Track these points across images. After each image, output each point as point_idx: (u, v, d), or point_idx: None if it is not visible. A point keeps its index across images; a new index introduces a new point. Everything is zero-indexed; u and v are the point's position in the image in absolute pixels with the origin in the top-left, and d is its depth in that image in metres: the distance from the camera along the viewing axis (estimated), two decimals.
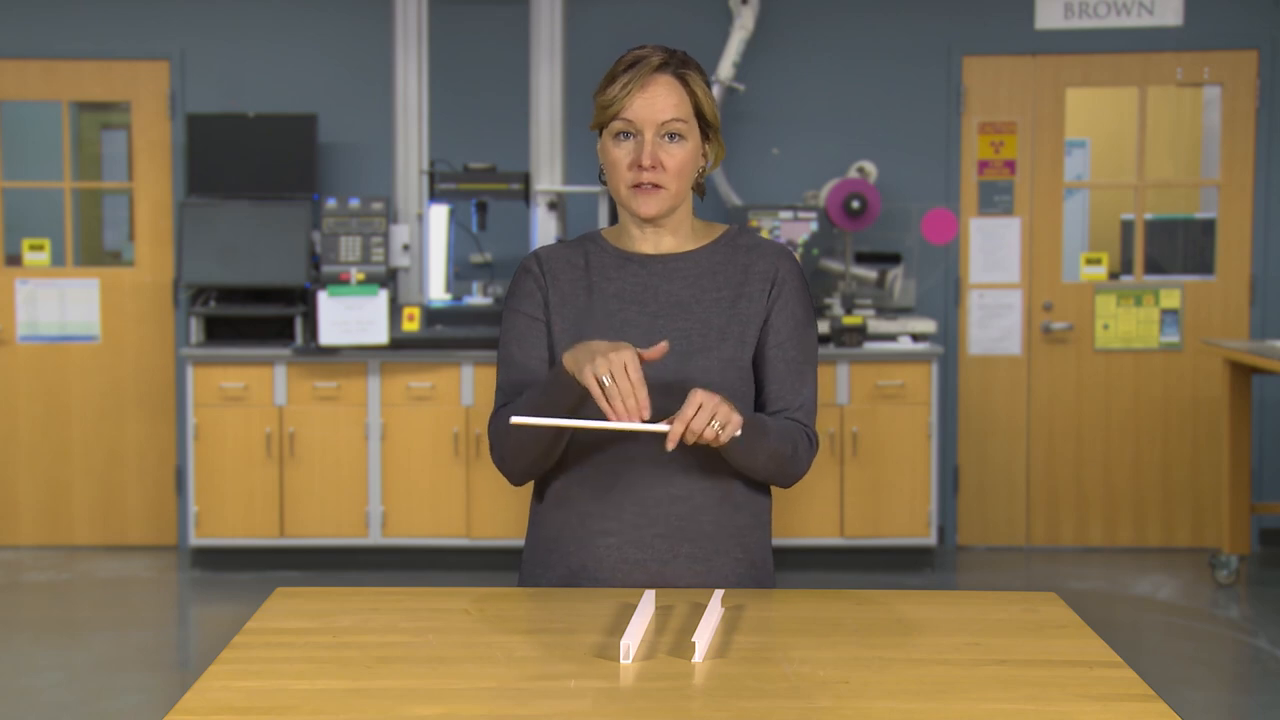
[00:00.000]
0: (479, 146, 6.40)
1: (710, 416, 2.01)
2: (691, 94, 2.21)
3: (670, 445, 2.02)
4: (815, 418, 2.30)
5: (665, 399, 2.19)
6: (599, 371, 2.00)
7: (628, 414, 1.99)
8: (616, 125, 2.21)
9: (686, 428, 2.01)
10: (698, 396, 2.02)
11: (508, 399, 2.26)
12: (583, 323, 2.25)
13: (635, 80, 2.19)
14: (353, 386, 5.97)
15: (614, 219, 2.35)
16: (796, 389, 2.27)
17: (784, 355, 2.26)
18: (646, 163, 2.18)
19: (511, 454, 2.22)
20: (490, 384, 5.88)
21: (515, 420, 2.05)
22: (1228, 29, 6.46)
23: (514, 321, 2.30)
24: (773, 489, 2.34)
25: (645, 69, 2.19)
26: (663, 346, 2.06)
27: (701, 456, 2.21)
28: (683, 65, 2.23)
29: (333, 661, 1.85)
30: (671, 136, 2.20)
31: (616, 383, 1.99)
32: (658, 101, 2.19)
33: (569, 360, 2.07)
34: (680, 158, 2.21)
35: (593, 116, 2.25)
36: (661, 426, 2.02)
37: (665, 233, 2.29)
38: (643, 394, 2.00)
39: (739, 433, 2.05)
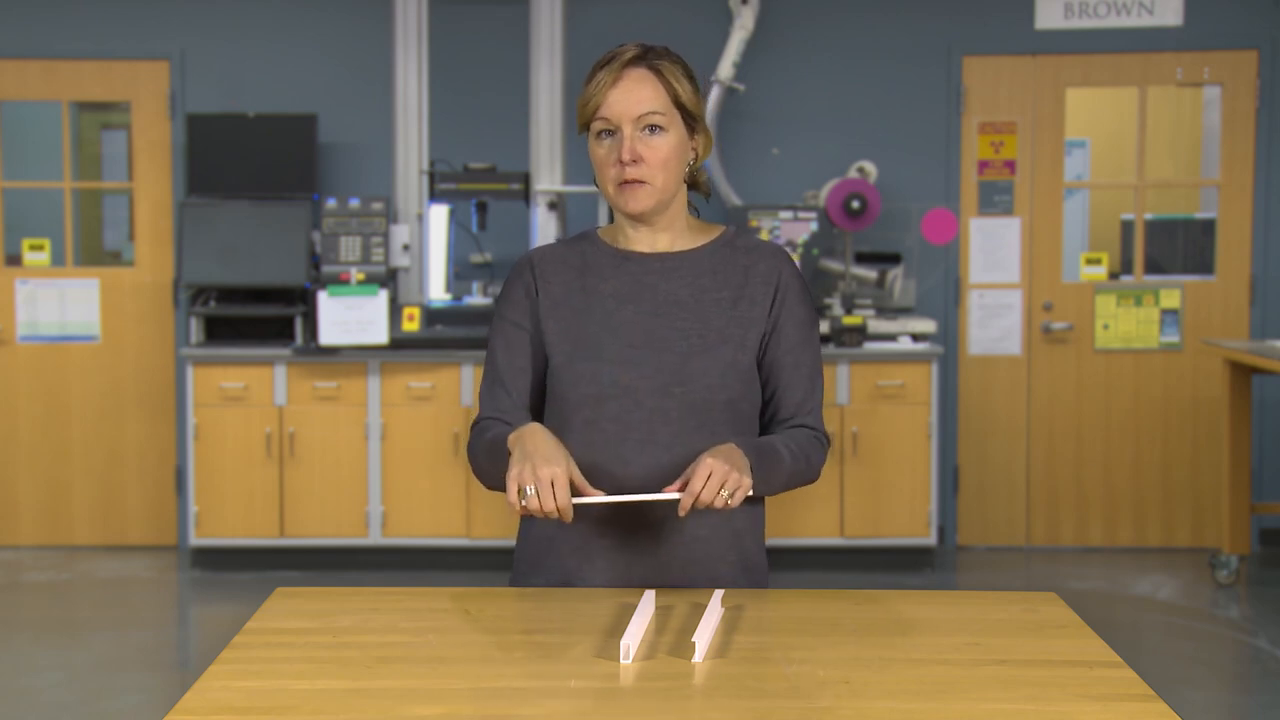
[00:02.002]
0: (479, 146, 6.40)
1: (719, 485, 2.03)
2: (668, 84, 2.19)
3: (681, 514, 2.06)
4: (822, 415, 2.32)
5: (664, 400, 2.18)
6: (524, 481, 2.02)
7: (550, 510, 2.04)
8: (596, 124, 2.19)
9: (696, 499, 2.04)
10: (706, 466, 2.04)
11: (486, 409, 2.28)
12: (580, 323, 2.24)
13: (609, 76, 2.17)
14: (353, 386, 5.97)
15: (613, 218, 2.33)
16: (809, 393, 2.27)
17: (795, 360, 2.26)
18: (626, 157, 2.16)
19: (481, 473, 2.26)
20: None
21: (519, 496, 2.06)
22: (1228, 29, 6.46)
23: (500, 329, 2.30)
24: None
25: (618, 63, 2.18)
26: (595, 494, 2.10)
27: (697, 457, 2.20)
28: (659, 57, 2.20)
29: (333, 661, 1.85)
30: (651, 129, 2.18)
31: (540, 499, 2.02)
32: (632, 95, 2.17)
33: (511, 443, 2.10)
34: (663, 150, 2.18)
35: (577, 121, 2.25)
36: (673, 495, 2.07)
37: (659, 231, 2.27)
38: (566, 516, 2.04)
39: (750, 492, 2.09)
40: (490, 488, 2.28)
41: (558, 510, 2.02)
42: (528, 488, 2.02)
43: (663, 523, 2.20)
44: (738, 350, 2.22)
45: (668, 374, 2.19)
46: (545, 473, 2.02)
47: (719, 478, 2.03)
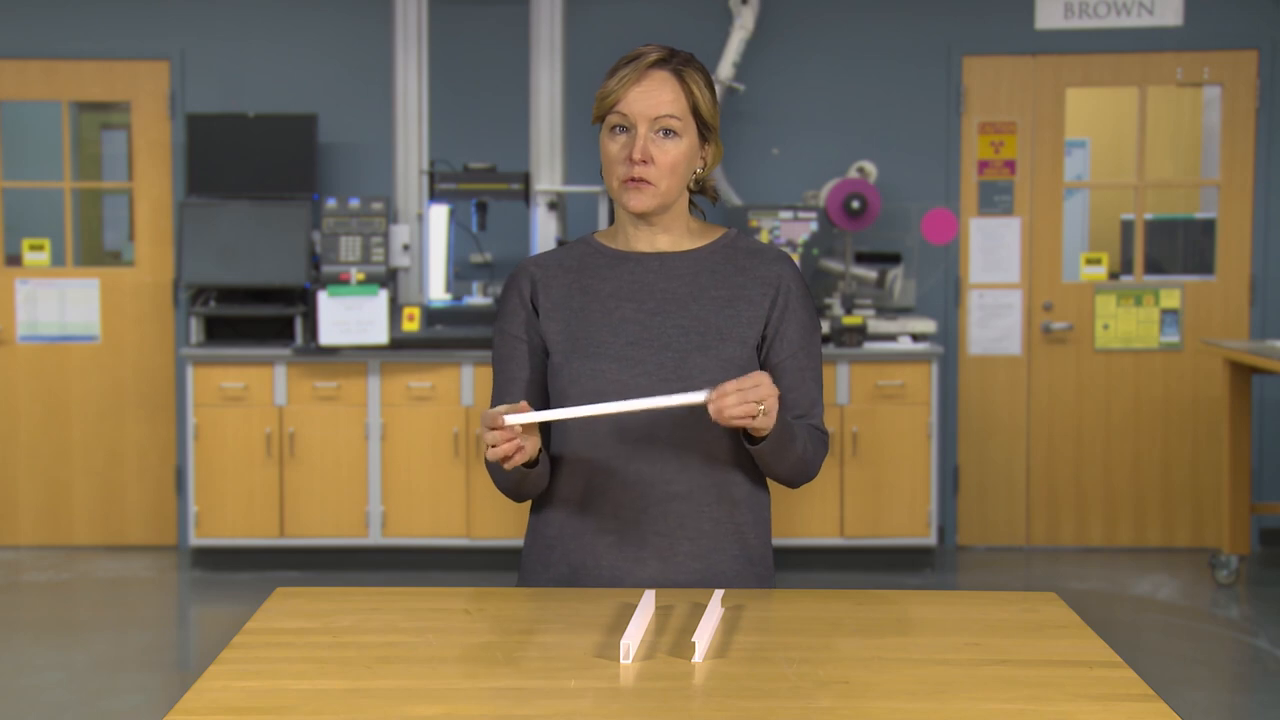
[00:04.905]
0: (479, 146, 6.40)
1: (760, 398, 2.02)
2: (689, 91, 2.20)
3: (710, 403, 2.02)
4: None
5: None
6: (487, 444, 2.06)
7: (513, 453, 2.04)
8: (612, 119, 2.21)
9: (733, 391, 2.01)
10: (761, 376, 2.03)
11: None
12: (579, 322, 2.25)
13: (632, 73, 2.19)
14: (353, 386, 5.97)
15: (614, 219, 2.35)
16: (812, 395, 2.29)
17: (799, 364, 2.27)
18: (637, 156, 2.18)
19: (501, 486, 2.26)
20: (490, 384, 5.88)
21: (512, 416, 2.05)
22: (1228, 29, 6.46)
23: (500, 342, 2.32)
24: (771, 486, 2.34)
25: (643, 63, 2.20)
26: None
27: (699, 453, 2.21)
28: (684, 64, 2.22)
29: (333, 661, 1.85)
30: (666, 133, 2.19)
31: (498, 445, 2.04)
32: (652, 95, 2.18)
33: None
34: (673, 155, 2.20)
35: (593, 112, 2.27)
36: (699, 396, 2.02)
37: (659, 231, 2.28)
38: (510, 430, 2.02)
39: (772, 424, 2.07)
40: (505, 493, 2.29)
41: (508, 428, 2.02)
42: (489, 448, 2.05)
43: (668, 518, 2.21)
44: (737, 346, 2.23)
45: (667, 370, 2.20)
46: (486, 425, 2.04)
47: (764, 392, 2.02)
